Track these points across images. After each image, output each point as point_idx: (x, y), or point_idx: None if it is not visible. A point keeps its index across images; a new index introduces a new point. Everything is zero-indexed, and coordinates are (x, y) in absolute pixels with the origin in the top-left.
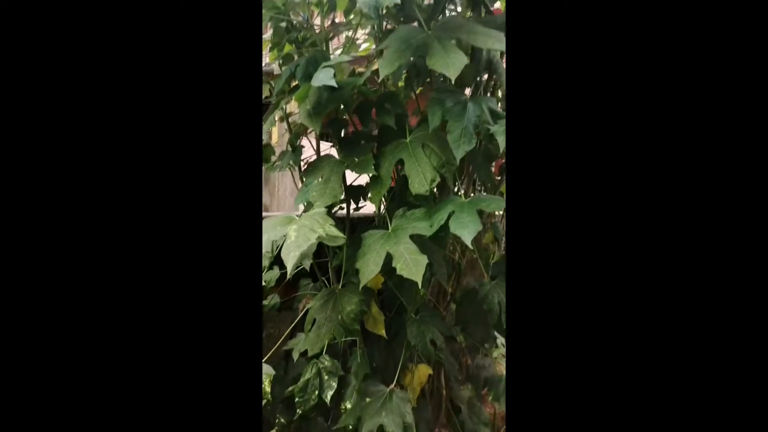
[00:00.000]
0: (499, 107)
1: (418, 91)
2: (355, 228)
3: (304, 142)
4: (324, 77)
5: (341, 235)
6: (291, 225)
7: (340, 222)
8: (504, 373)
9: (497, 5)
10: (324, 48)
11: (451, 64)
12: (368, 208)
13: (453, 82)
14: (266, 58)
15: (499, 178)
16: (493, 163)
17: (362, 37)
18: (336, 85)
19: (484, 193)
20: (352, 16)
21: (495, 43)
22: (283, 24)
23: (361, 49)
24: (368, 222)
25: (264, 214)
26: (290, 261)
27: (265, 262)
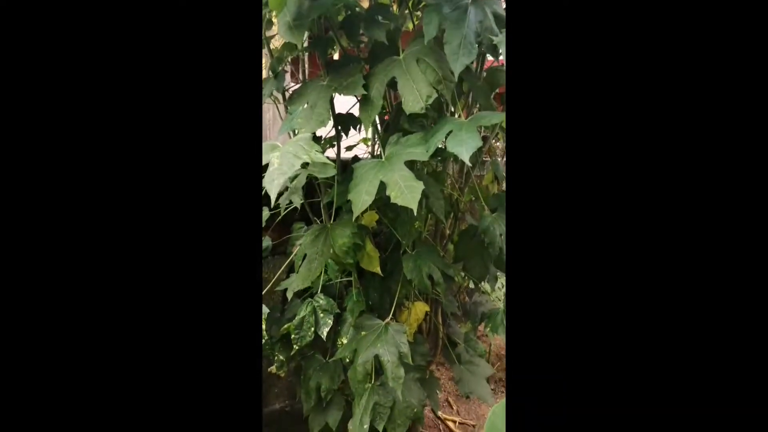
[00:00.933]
0: (503, 10)
1: (410, 3)
2: (347, 163)
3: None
4: None
5: (329, 161)
6: (274, 152)
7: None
8: (502, 307)
9: None
10: None
11: None
12: (361, 148)
13: None
14: None
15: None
16: (494, 92)
17: None
18: None
19: None
20: None
21: None
22: None
23: None
24: (358, 160)
25: None
26: (274, 189)
27: None
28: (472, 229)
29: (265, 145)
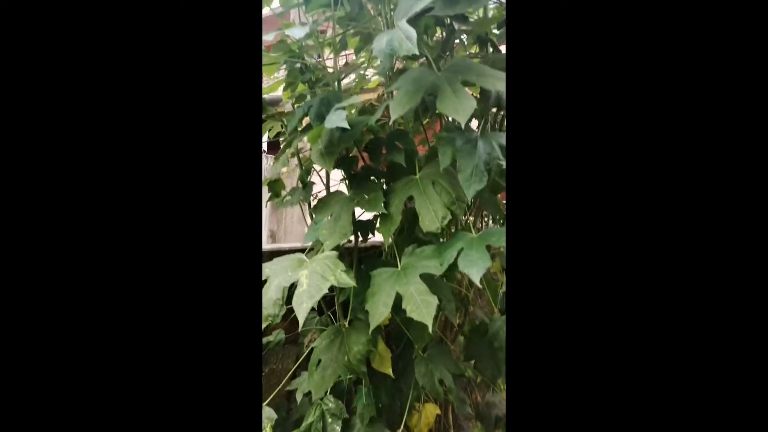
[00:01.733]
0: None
1: (425, 122)
2: (362, 258)
3: (314, 176)
4: (337, 119)
5: (352, 282)
6: (302, 270)
7: (348, 255)
8: None
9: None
10: (336, 88)
11: (461, 109)
12: (375, 236)
13: (463, 126)
14: (280, 95)
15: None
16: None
17: (372, 70)
18: (348, 127)
19: (492, 225)
20: (362, 54)
21: (502, 84)
22: (297, 65)
23: (370, 82)
24: (376, 254)
25: (271, 245)
26: (302, 312)
27: (276, 310)
28: (483, 326)
29: (292, 258)
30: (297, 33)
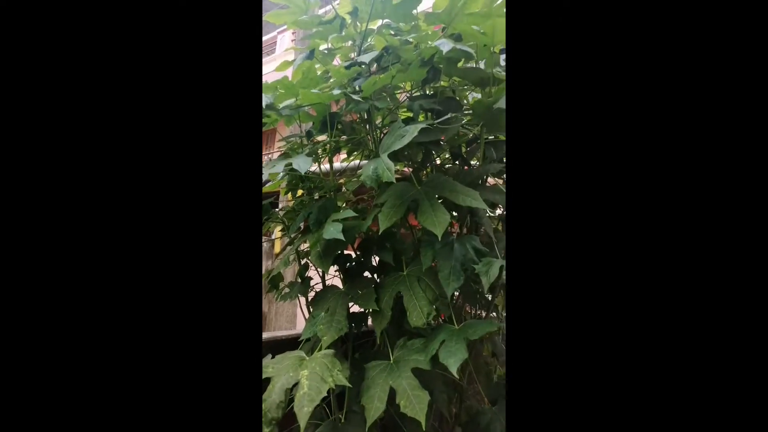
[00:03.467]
0: (480, 245)
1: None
2: (356, 346)
3: (311, 269)
4: (334, 231)
5: (348, 384)
6: (302, 369)
7: (343, 344)
8: None
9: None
10: (333, 196)
11: (437, 223)
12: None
13: (440, 238)
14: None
15: (489, 297)
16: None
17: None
18: (344, 239)
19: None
20: (354, 155)
21: (472, 201)
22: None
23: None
24: (370, 342)
25: (266, 334)
26: (304, 417)
27: (278, 413)
28: (476, 419)
29: (292, 357)
30: (302, 165)
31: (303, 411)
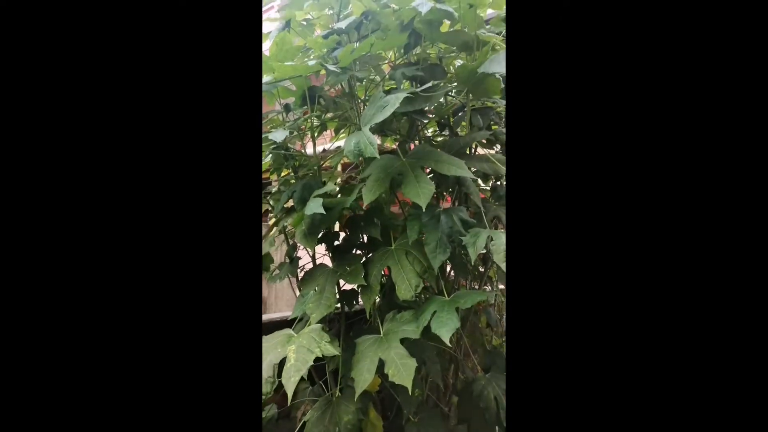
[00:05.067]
0: (468, 215)
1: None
2: (351, 324)
3: (301, 249)
4: (314, 206)
5: (337, 351)
6: (290, 345)
7: (338, 321)
8: None
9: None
10: (316, 173)
11: (421, 194)
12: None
13: (424, 208)
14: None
15: (482, 269)
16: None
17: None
18: (324, 212)
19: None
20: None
21: (457, 170)
22: (282, 152)
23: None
24: (364, 319)
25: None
26: (291, 386)
27: (269, 387)
28: (469, 387)
29: (280, 335)
30: (278, 136)
31: (290, 381)
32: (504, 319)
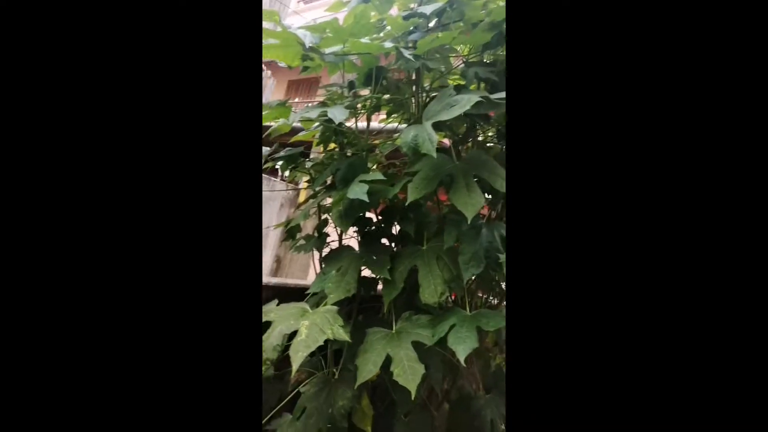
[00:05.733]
0: None
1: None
2: (362, 309)
3: (329, 226)
4: (359, 191)
5: (347, 338)
6: (303, 320)
7: (349, 304)
8: None
9: None
10: (363, 155)
11: (470, 204)
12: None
13: (469, 221)
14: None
15: (504, 286)
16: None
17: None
18: (368, 200)
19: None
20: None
21: None
22: (332, 125)
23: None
24: (376, 308)
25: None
26: (297, 360)
27: (274, 355)
28: (466, 401)
29: (296, 307)
30: (338, 116)
31: (298, 355)
32: None
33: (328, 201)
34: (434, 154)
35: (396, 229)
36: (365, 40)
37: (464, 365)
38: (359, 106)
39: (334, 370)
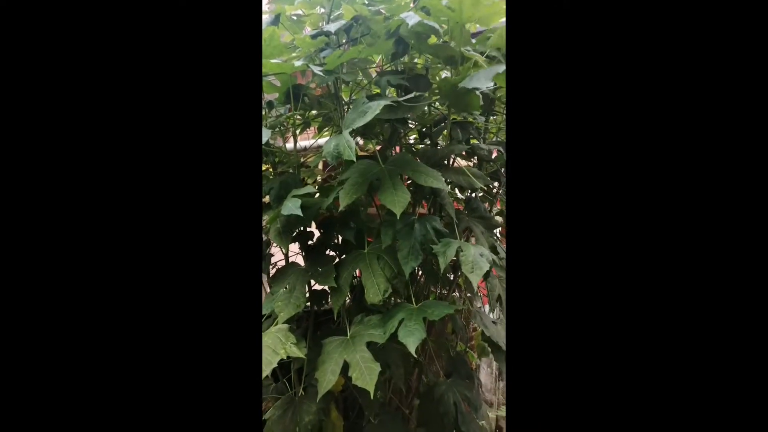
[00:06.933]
0: (441, 225)
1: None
2: (319, 323)
3: (274, 246)
4: (292, 207)
5: (302, 354)
6: None
7: (306, 320)
8: None
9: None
10: (295, 171)
11: (397, 202)
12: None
13: (398, 216)
14: None
15: (450, 276)
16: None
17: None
18: (302, 215)
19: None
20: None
21: (434, 181)
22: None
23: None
24: (330, 320)
25: None
26: None
27: None
28: (431, 391)
29: None
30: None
31: None
32: (469, 326)
33: (266, 222)
34: (354, 159)
35: (339, 239)
36: (276, 60)
37: (416, 356)
38: (287, 124)
39: (299, 388)
